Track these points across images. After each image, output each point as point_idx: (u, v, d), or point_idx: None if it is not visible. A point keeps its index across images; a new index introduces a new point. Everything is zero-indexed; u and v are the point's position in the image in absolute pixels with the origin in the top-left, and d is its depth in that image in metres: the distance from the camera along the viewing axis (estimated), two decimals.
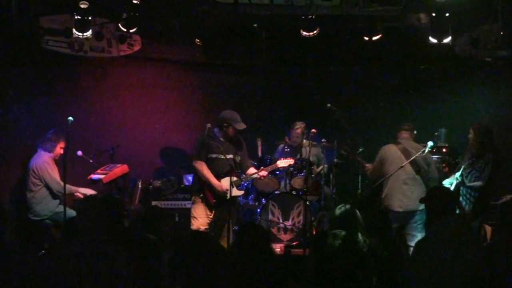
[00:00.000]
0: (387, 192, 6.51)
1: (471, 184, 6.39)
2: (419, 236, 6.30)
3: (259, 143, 8.10)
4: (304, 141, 7.88)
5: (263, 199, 7.58)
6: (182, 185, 8.06)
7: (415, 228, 6.46)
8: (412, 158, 6.49)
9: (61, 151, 6.94)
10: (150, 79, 8.81)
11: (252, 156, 7.44)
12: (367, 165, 7.13)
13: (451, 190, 5.88)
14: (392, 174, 6.45)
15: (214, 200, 6.44)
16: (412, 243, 6.39)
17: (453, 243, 3.86)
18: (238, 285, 3.44)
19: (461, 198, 6.44)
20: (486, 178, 6.31)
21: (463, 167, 6.44)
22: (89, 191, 7.05)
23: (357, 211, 4.48)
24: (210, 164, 6.44)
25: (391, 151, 6.61)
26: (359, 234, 4.25)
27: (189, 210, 6.77)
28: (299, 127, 7.81)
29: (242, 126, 6.52)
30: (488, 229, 6.82)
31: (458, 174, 6.46)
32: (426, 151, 6.66)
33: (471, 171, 6.41)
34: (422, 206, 6.33)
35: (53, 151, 6.95)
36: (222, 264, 2.70)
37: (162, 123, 8.83)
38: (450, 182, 6.62)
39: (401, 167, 6.37)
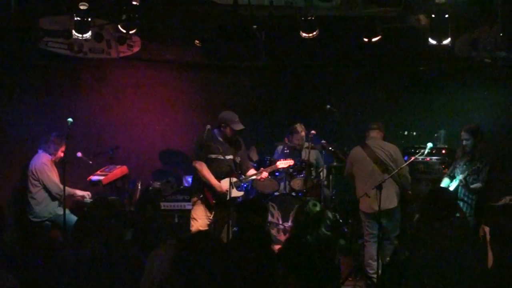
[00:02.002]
0: (360, 195, 6.49)
1: (473, 186, 6.38)
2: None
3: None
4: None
5: (263, 200, 7.57)
6: (182, 186, 8.06)
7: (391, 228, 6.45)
8: (411, 160, 6.48)
9: (62, 155, 6.94)
10: (150, 80, 8.81)
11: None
12: None
13: (451, 192, 5.88)
14: (361, 177, 6.47)
15: (214, 201, 6.42)
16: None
17: (453, 244, 3.86)
18: (238, 285, 3.44)
19: (459, 201, 6.44)
20: (485, 179, 6.31)
21: (466, 172, 6.42)
22: (87, 194, 7.04)
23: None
24: (210, 165, 6.43)
25: (356, 153, 6.60)
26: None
27: (188, 211, 6.77)
28: (302, 129, 7.76)
29: (240, 126, 6.50)
30: (487, 230, 6.81)
31: (462, 176, 6.43)
32: (426, 152, 6.66)
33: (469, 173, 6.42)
34: (393, 205, 6.34)
35: (54, 153, 6.94)
36: (222, 264, 2.71)
37: (162, 124, 8.82)
38: (447, 184, 6.61)
39: (400, 168, 6.34)
